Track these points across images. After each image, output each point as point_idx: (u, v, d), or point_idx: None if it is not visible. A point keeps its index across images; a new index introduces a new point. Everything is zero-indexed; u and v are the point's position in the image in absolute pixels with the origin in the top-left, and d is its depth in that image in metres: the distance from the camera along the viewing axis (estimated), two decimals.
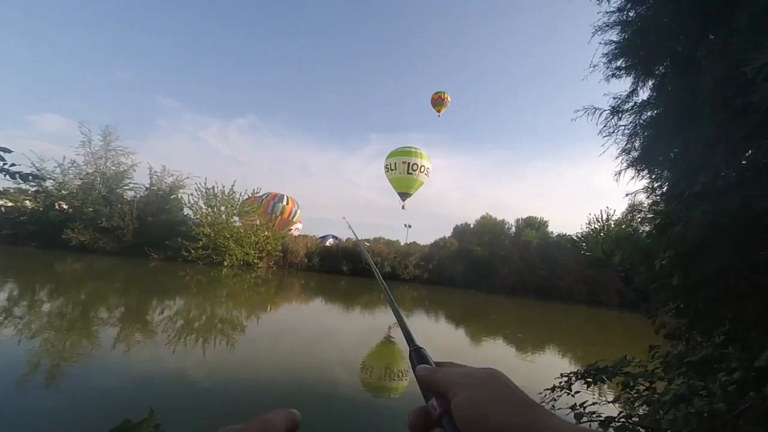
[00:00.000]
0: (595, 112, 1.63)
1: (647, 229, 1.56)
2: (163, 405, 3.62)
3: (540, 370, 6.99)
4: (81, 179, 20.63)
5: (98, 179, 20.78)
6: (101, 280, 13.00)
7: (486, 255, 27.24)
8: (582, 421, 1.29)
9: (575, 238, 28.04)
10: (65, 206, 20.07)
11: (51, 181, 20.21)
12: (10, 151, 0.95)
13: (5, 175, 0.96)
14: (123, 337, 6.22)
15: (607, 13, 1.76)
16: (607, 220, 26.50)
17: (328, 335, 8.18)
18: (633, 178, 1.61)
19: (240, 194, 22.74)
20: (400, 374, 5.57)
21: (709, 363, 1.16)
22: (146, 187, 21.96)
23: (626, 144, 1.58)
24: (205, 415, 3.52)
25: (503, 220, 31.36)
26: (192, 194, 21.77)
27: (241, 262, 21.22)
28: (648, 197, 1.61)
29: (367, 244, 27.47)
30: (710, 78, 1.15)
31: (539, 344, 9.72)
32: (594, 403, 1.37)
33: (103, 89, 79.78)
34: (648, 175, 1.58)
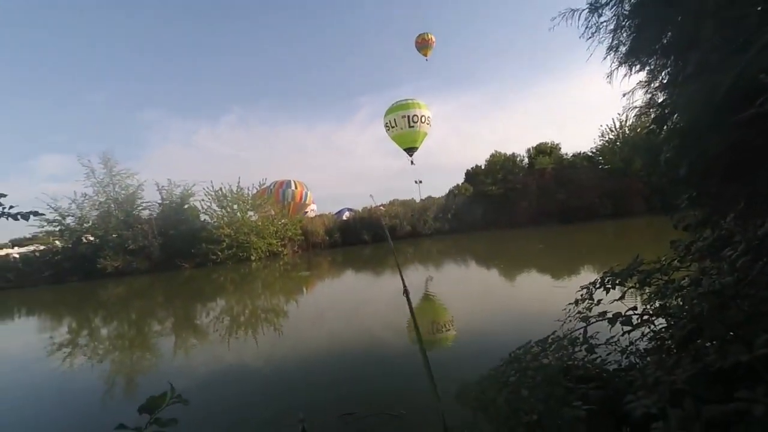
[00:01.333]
0: (573, 13, 1.52)
1: (652, 126, 1.50)
2: (232, 399, 3.92)
3: (572, 291, 7.10)
4: (96, 209, 21.23)
5: (112, 206, 21.32)
6: (144, 297, 13.75)
7: (501, 192, 27.03)
8: (590, 322, 1.34)
9: (590, 153, 27.25)
10: (91, 238, 20.87)
11: (71, 218, 20.91)
12: (4, 195, 1.04)
13: (7, 218, 1.05)
14: (180, 344, 6.66)
15: None
16: (621, 127, 25.47)
17: (366, 303, 8.49)
18: (626, 75, 1.53)
19: (248, 189, 23.00)
20: (447, 325, 5.72)
21: (720, 244, 1.16)
22: (159, 203, 22.43)
23: (612, 41, 1.48)
24: (273, 400, 3.76)
25: (513, 153, 30.56)
26: (203, 200, 22.20)
27: (267, 253, 21.85)
28: (646, 93, 1.53)
29: (382, 208, 27.57)
30: None
31: (571, 267, 9.82)
32: (613, 302, 1.41)
33: (83, 117, 79.50)
34: (641, 69, 1.49)
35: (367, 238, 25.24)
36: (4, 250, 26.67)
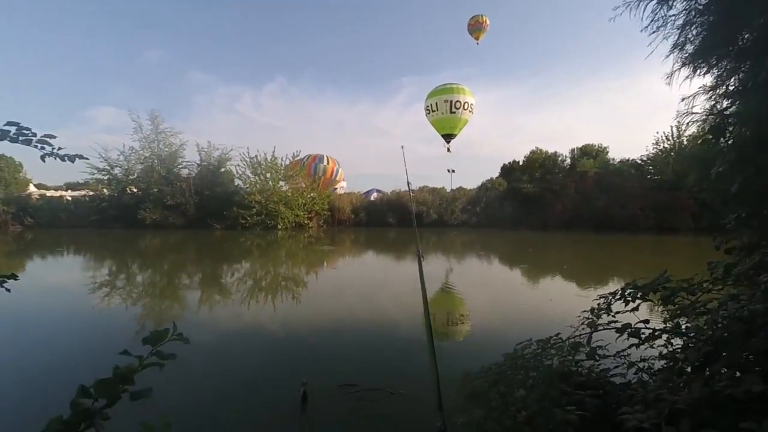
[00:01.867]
0: (639, 4, 1.39)
1: (709, 136, 1.36)
2: (247, 356, 4.13)
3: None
4: (141, 163, 22.51)
5: (156, 161, 22.52)
6: (177, 251, 14.61)
7: (537, 191, 26.02)
8: (596, 329, 1.28)
9: (640, 161, 25.58)
10: (135, 189, 22.26)
11: (118, 168, 22.33)
12: (54, 137, 1.12)
13: (55, 158, 1.14)
14: (205, 299, 7.06)
15: None
16: (679, 136, 23.60)
17: (385, 284, 8.60)
18: (688, 77, 1.39)
19: (282, 159, 23.52)
20: (461, 319, 5.69)
21: (759, 270, 1.06)
22: (198, 164, 23.46)
23: (678, 38, 1.34)
24: (284, 363, 3.94)
25: (555, 152, 29.23)
26: (239, 165, 22.99)
27: (293, 224, 22.47)
28: (709, 98, 1.38)
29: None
30: None
31: (600, 278, 9.43)
32: (630, 315, 1.34)
33: (139, 73, 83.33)
34: (707, 72, 1.34)
35: (392, 221, 25.31)
36: (59, 192, 29.01)
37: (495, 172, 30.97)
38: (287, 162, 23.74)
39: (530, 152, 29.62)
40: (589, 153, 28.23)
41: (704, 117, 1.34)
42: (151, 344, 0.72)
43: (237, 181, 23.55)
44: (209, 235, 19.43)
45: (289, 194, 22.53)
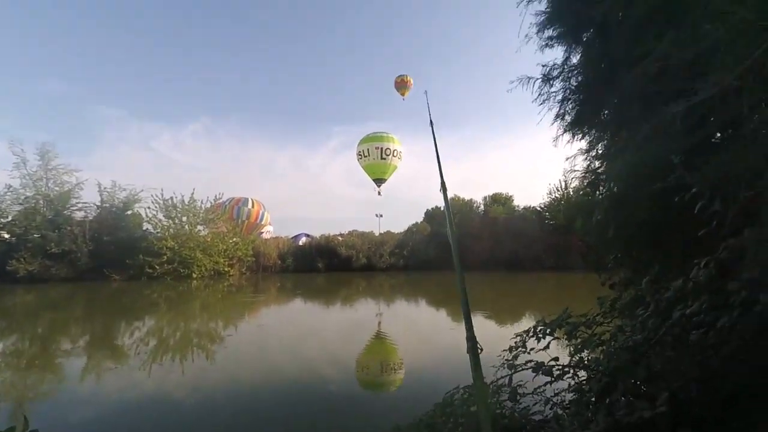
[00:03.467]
0: (529, 81, 1.72)
1: (587, 189, 1.68)
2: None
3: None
4: (20, 204, 18.96)
5: (41, 202, 19.18)
6: (58, 309, 12.14)
7: (457, 235, 28.09)
8: (516, 370, 1.40)
9: (539, 208, 29.35)
10: (6, 235, 18.42)
11: None
12: None
13: None
14: (91, 366, 5.90)
15: None
16: (566, 187, 27.85)
17: (313, 335, 8.12)
18: (569, 142, 1.73)
19: (202, 202, 21.88)
20: (395, 366, 5.60)
21: (638, 303, 1.29)
22: (97, 205, 20.55)
23: (559, 109, 1.68)
24: None
25: (471, 199, 32.32)
26: (149, 208, 20.68)
27: (212, 272, 20.51)
28: (585, 159, 1.73)
29: (340, 238, 27.36)
30: (623, 40, 1.25)
31: (514, 315, 10.18)
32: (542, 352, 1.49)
33: (33, 104, 71.23)
34: (582, 138, 1.69)
35: (320, 266, 24.68)
36: None
37: (420, 216, 32.78)
38: (208, 205, 22.12)
39: (450, 199, 32.23)
40: (498, 201, 31.66)
41: (582, 174, 1.65)
42: None
43: (146, 225, 21.03)
44: (103, 287, 16.62)
45: (209, 239, 20.74)
